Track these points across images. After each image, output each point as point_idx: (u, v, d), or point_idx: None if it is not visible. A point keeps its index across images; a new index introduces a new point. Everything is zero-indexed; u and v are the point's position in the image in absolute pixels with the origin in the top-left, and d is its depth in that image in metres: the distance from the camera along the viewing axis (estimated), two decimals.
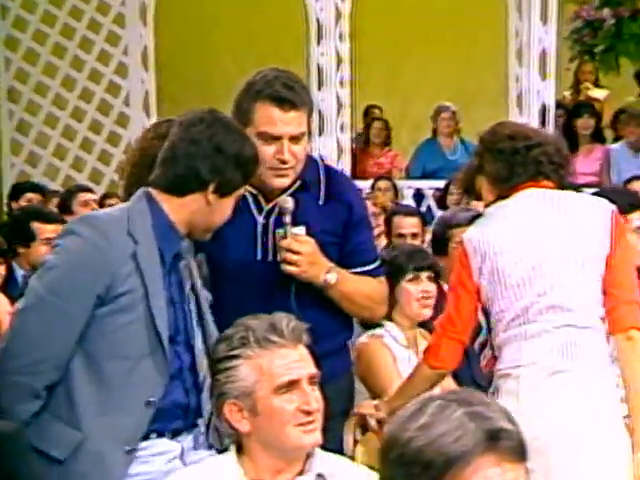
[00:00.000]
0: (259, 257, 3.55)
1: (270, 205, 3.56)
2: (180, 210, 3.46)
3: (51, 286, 3.32)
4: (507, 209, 4.18)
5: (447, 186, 8.88)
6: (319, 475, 2.89)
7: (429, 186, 10.40)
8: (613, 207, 4.18)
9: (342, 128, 10.41)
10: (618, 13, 10.03)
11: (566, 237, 4.15)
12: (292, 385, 2.79)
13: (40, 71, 10.00)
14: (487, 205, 4.29)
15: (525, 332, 4.08)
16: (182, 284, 3.51)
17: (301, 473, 2.88)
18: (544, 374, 4.01)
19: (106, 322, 3.33)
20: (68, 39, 9.91)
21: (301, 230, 3.49)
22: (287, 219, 3.44)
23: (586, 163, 9.89)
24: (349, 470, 3.02)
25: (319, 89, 9.94)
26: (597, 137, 10.12)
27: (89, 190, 7.78)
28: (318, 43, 10.14)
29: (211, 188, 3.40)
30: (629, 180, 8.19)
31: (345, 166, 10.38)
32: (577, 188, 5.35)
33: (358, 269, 3.61)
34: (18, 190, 8.91)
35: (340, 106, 10.24)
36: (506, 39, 10.29)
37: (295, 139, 3.48)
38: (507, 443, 1.91)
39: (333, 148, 10.45)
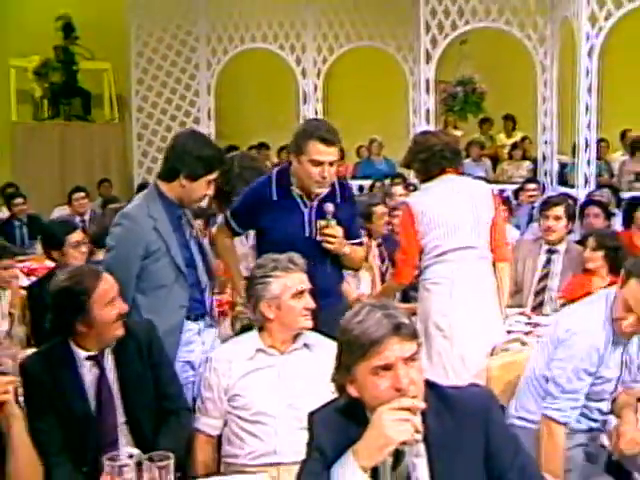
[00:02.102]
0: (307, 235, 4.42)
1: (311, 204, 4.47)
2: (171, 191, 4.17)
3: (114, 256, 4.13)
4: (432, 187, 4.89)
5: (374, 183, 11.44)
6: (305, 344, 3.60)
7: (364, 183, 12.25)
8: (492, 187, 5.10)
9: None
10: (466, 89, 12.29)
11: (470, 204, 4.81)
12: (300, 294, 3.58)
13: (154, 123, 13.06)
14: (421, 182, 5.04)
15: (450, 259, 4.81)
16: (184, 233, 4.23)
17: (294, 341, 3.63)
18: (462, 282, 4.77)
19: (149, 268, 4.09)
20: (169, 104, 13.08)
21: (334, 223, 4.40)
22: (329, 216, 4.36)
23: None
24: (324, 342, 3.56)
25: None
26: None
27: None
28: (304, 103, 12.83)
29: (182, 176, 4.10)
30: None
31: None
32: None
33: (354, 241, 4.59)
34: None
35: None
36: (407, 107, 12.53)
37: (331, 164, 4.33)
38: (405, 331, 2.46)
39: None
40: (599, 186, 10.42)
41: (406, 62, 13.00)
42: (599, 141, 12.34)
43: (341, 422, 2.59)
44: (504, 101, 13.76)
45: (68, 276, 3.52)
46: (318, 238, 4.40)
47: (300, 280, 3.63)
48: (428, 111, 11.89)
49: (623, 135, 13.34)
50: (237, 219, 4.70)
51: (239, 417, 3.57)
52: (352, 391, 2.54)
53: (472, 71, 12.66)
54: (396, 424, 2.40)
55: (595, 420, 3.89)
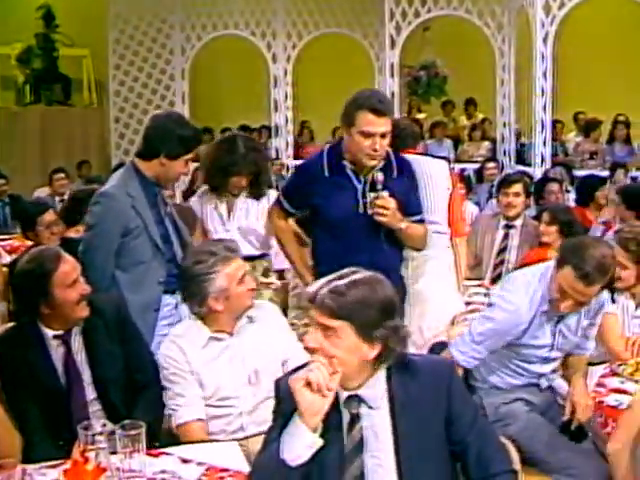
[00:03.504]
0: (361, 211, 4.05)
1: (365, 178, 4.06)
2: (149, 169, 4.12)
3: (94, 234, 4.12)
4: None
5: None
6: (247, 317, 3.49)
7: None
8: (452, 165, 5.22)
9: (288, 133, 13.06)
10: (428, 73, 12.53)
11: (428, 181, 4.80)
12: (243, 277, 3.43)
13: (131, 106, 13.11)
14: None
15: None
16: (160, 210, 4.18)
17: (237, 319, 3.47)
18: (420, 256, 4.79)
19: (128, 245, 4.07)
20: (145, 89, 13.12)
21: (386, 193, 4.00)
22: (379, 187, 3.99)
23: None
24: (262, 307, 3.60)
25: (275, 112, 12.84)
26: (420, 137, 12.85)
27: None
28: (275, 87, 12.92)
29: (162, 155, 4.06)
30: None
31: (290, 153, 12.99)
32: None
33: (413, 218, 4.16)
34: None
35: (287, 121, 12.99)
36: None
37: (383, 136, 3.94)
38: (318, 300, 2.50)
39: (283, 144, 12.97)
40: (554, 164, 10.57)
41: (372, 48, 13.06)
42: (555, 122, 12.48)
43: None
44: (465, 85, 13.79)
45: (29, 258, 3.45)
46: (369, 211, 4.06)
47: (240, 265, 3.48)
48: (393, 94, 11.86)
49: (576, 117, 13.38)
50: (289, 198, 4.38)
51: (205, 406, 3.45)
52: None
53: (434, 56, 12.83)
54: (306, 401, 2.45)
55: (532, 376, 3.92)
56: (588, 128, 12.38)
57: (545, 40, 10.61)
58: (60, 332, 3.44)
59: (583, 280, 3.48)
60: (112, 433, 2.81)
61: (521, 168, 10.79)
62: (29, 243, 6.07)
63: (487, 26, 12.19)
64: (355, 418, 2.56)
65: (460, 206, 5.13)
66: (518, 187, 6.44)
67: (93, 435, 2.76)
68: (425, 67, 12.81)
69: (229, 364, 3.44)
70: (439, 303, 4.85)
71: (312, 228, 4.38)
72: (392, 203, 4.03)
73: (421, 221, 4.28)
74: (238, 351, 3.45)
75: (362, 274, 2.54)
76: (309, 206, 4.29)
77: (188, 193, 9.05)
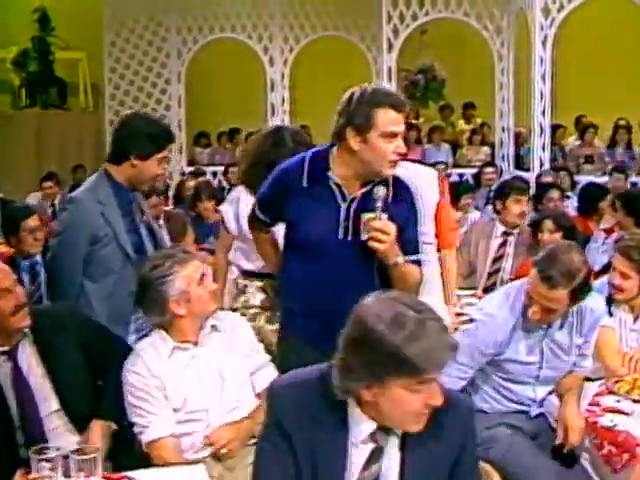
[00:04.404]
0: (340, 236, 3.32)
1: (353, 195, 3.31)
2: (120, 173, 3.98)
3: (60, 241, 4.01)
4: None
5: None
6: (212, 327, 3.35)
7: None
8: (437, 173, 4.63)
9: None
10: (426, 77, 12.35)
11: (418, 190, 4.16)
12: (202, 277, 3.29)
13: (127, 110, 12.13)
14: None
15: None
16: (134, 218, 4.05)
17: (201, 328, 3.33)
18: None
19: (97, 253, 3.93)
20: (141, 92, 12.95)
21: (385, 216, 3.24)
22: (379, 204, 3.22)
23: (414, 154, 11.19)
24: (227, 317, 3.47)
25: (272, 116, 12.52)
26: (418, 142, 12.60)
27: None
28: (272, 90, 12.74)
29: (132, 156, 3.93)
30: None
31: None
32: None
33: (410, 257, 3.38)
34: None
35: None
36: None
37: (403, 135, 3.30)
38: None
39: None
40: (554, 169, 10.39)
41: (369, 51, 12.89)
42: (557, 127, 12.49)
43: (309, 398, 2.35)
44: (464, 88, 13.60)
45: None
46: (363, 236, 3.27)
47: (198, 266, 3.33)
48: None
49: (578, 121, 13.21)
50: (262, 207, 3.64)
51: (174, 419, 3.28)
52: (366, 395, 2.25)
53: (432, 60, 12.61)
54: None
55: (520, 403, 3.78)
56: (584, 132, 12.30)
57: (544, 43, 10.48)
58: (5, 348, 3.23)
59: (546, 283, 3.41)
60: (66, 457, 2.67)
61: (519, 173, 10.65)
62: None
63: (486, 29, 12.04)
64: (377, 452, 2.36)
65: (449, 216, 4.82)
66: (527, 195, 6.41)
67: (47, 460, 2.63)
68: (423, 71, 12.59)
69: (196, 375, 3.28)
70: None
71: (284, 250, 3.63)
72: (393, 229, 3.25)
73: (418, 263, 3.48)
74: (204, 361, 3.30)
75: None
76: (283, 220, 3.58)
77: (178, 199, 8.94)
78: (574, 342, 3.69)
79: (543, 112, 10.57)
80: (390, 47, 11.80)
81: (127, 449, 3.27)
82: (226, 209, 4.53)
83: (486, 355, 3.61)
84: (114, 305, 3.87)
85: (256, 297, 4.36)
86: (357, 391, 2.25)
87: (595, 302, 3.72)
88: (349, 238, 3.34)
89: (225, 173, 11.57)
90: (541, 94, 10.52)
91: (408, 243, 3.41)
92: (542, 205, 7.21)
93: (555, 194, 7.32)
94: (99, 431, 3.26)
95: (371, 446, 2.34)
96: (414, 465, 2.35)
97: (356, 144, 3.25)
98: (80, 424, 3.28)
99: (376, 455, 2.35)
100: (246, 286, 4.41)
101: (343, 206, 3.35)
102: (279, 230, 3.73)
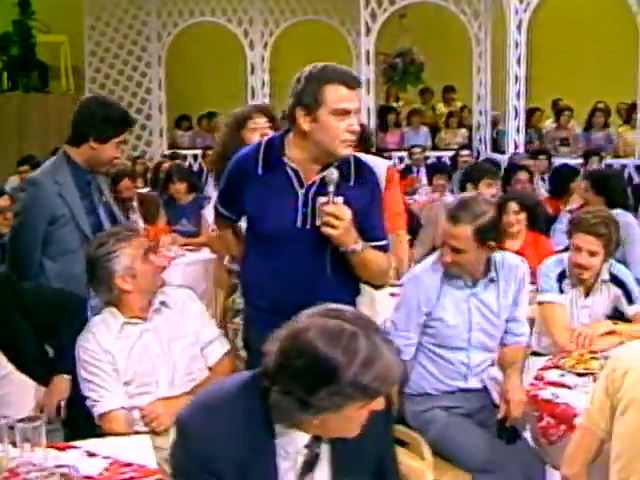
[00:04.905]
0: (299, 224, 3.15)
1: (310, 181, 3.15)
2: (79, 155, 4.04)
3: (19, 222, 4.12)
4: None
5: None
6: (161, 303, 3.41)
7: None
8: (389, 164, 4.56)
9: None
10: (404, 60, 12.64)
11: None
12: (146, 254, 3.37)
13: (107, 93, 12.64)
14: None
15: None
16: (93, 199, 4.10)
17: (151, 304, 3.39)
18: None
19: (55, 233, 3.98)
20: (121, 75, 13.21)
21: (340, 200, 3.09)
22: (331, 188, 3.07)
23: (392, 137, 12.78)
24: (176, 293, 3.52)
25: (252, 99, 12.68)
26: (397, 125, 12.87)
27: None
28: (252, 74, 13.07)
29: (91, 139, 3.98)
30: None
31: None
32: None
33: (372, 243, 3.21)
34: None
35: None
36: None
37: (356, 113, 3.14)
38: None
39: None
40: (532, 152, 10.43)
41: (349, 35, 13.03)
42: (533, 110, 12.57)
43: (231, 424, 2.16)
44: (444, 72, 13.65)
45: None
46: (317, 222, 3.12)
47: (143, 242, 3.44)
48: (369, 81, 11.81)
49: (554, 104, 13.30)
50: (222, 200, 3.51)
51: (125, 393, 3.34)
52: (315, 421, 2.12)
53: (411, 44, 12.77)
54: None
55: (457, 373, 3.78)
56: (558, 114, 12.34)
57: (519, 27, 10.56)
58: None
59: (450, 220, 3.55)
60: (11, 428, 2.73)
61: (494, 156, 10.78)
62: None
63: (463, 13, 12.12)
64: (313, 460, 2.28)
65: (397, 202, 4.73)
66: (498, 178, 6.53)
67: None
68: (401, 54, 12.77)
69: (146, 349, 3.35)
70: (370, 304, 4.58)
71: (245, 245, 3.46)
72: (347, 214, 3.08)
73: (383, 249, 3.30)
74: (154, 336, 3.36)
75: None
76: (242, 213, 3.40)
77: (154, 181, 8.93)
78: (502, 303, 3.74)
79: (518, 95, 10.66)
80: (368, 31, 11.84)
81: (86, 415, 3.34)
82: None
83: (421, 313, 3.66)
84: (72, 284, 3.86)
85: None
86: (307, 421, 2.14)
87: (515, 259, 3.77)
88: (308, 226, 3.15)
89: (203, 156, 11.65)
90: (516, 77, 10.59)
91: (371, 228, 3.24)
92: (510, 187, 7.21)
93: (523, 176, 7.33)
94: (57, 386, 3.45)
95: (302, 455, 2.25)
96: (344, 457, 2.30)
97: (306, 124, 3.08)
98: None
99: (310, 463, 2.27)
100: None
101: (301, 192, 3.17)
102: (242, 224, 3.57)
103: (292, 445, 2.21)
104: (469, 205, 3.56)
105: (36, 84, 14.32)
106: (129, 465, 2.81)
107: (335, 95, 3.01)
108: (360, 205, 3.15)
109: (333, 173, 3.08)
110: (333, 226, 3.06)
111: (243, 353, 3.77)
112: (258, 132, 4.13)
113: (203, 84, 14.24)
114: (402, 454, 2.71)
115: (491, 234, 3.55)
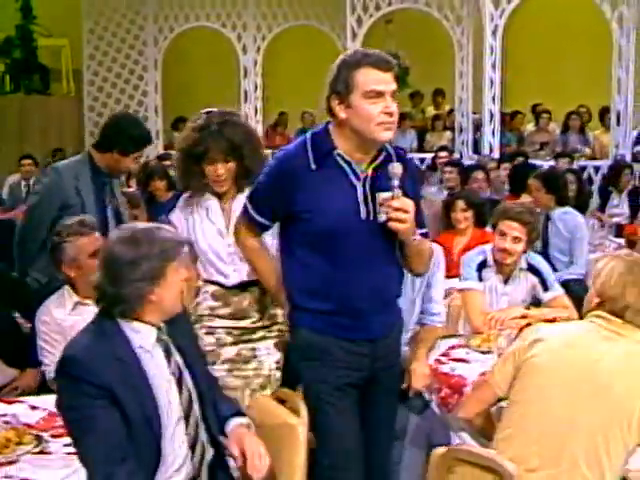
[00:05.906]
0: (363, 216, 3.05)
1: (364, 173, 3.06)
2: (101, 159, 4.51)
3: (35, 200, 4.56)
4: None
5: None
6: None
7: None
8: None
9: (258, 123, 13.07)
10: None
11: None
12: (95, 252, 3.40)
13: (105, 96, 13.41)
14: None
15: None
16: (104, 199, 4.53)
17: None
18: None
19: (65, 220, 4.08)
20: (118, 79, 13.45)
21: (400, 192, 3.00)
22: (396, 182, 2.97)
23: None
24: None
25: (245, 102, 13.10)
26: None
27: None
28: (245, 77, 13.25)
29: (115, 151, 4.45)
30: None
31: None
32: None
33: (421, 231, 3.19)
34: None
35: (256, 112, 13.32)
36: None
37: (393, 95, 3.00)
38: None
39: None
40: (507, 155, 10.67)
41: (340, 40, 13.25)
42: (515, 114, 12.91)
43: (102, 342, 2.62)
44: (431, 76, 13.89)
45: None
46: (381, 218, 3.04)
47: (93, 240, 3.69)
48: None
49: (534, 108, 13.58)
50: (261, 207, 3.24)
51: None
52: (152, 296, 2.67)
53: (397, 48, 12.64)
54: None
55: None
56: (537, 117, 12.63)
57: (494, 33, 10.87)
58: None
59: None
60: None
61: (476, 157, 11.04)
62: None
63: (446, 19, 12.39)
64: (168, 348, 2.75)
65: None
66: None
67: None
68: None
69: None
70: None
71: (285, 248, 3.25)
72: (411, 205, 3.02)
73: (427, 236, 3.31)
74: None
75: None
76: (289, 215, 3.16)
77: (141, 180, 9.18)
78: (419, 288, 4.02)
79: (493, 99, 10.96)
80: (354, 36, 12.11)
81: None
82: None
83: None
84: None
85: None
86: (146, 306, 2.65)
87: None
88: (371, 218, 3.07)
89: None
90: (491, 82, 10.91)
91: (418, 216, 3.15)
92: (467, 185, 7.57)
93: (480, 175, 7.67)
94: (27, 377, 3.94)
95: (160, 346, 2.70)
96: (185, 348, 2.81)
97: (342, 111, 3.02)
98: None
99: (169, 350, 2.72)
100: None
101: (359, 184, 3.08)
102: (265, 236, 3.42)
103: (145, 340, 2.65)
104: None
105: (38, 86, 14.69)
106: None
107: (366, 78, 2.97)
108: (412, 195, 3.12)
109: (396, 167, 3.00)
110: (401, 220, 2.99)
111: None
112: None
113: (198, 87, 14.39)
114: (281, 411, 3.03)
115: None
